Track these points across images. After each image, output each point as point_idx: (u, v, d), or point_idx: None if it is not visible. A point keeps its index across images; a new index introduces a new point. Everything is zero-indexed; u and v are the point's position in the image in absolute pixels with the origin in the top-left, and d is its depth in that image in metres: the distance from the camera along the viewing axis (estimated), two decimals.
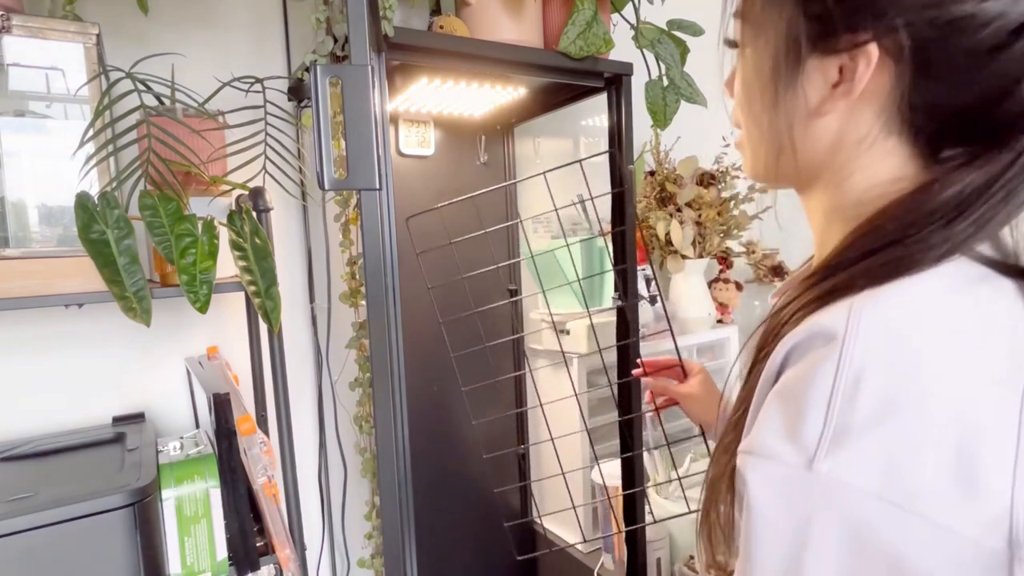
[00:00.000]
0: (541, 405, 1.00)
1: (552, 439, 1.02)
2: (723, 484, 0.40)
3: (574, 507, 1.02)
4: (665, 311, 1.03)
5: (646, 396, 0.91)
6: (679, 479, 1.07)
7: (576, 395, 1.05)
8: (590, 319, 1.09)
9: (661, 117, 1.07)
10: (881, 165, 0.40)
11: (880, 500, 0.31)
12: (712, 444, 0.84)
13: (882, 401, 0.32)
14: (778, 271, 1.63)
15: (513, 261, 1.44)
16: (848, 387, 0.32)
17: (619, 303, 1.12)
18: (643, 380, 0.90)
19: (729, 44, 0.46)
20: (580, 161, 0.89)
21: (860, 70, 0.37)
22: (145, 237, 0.82)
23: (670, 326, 0.95)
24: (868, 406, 0.32)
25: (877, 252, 0.37)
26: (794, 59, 0.39)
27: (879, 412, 0.32)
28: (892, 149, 0.39)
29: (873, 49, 0.36)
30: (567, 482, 1.01)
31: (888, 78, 0.37)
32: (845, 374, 0.32)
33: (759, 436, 0.35)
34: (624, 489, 1.17)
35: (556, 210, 0.93)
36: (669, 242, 1.47)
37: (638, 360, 0.92)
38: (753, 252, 1.66)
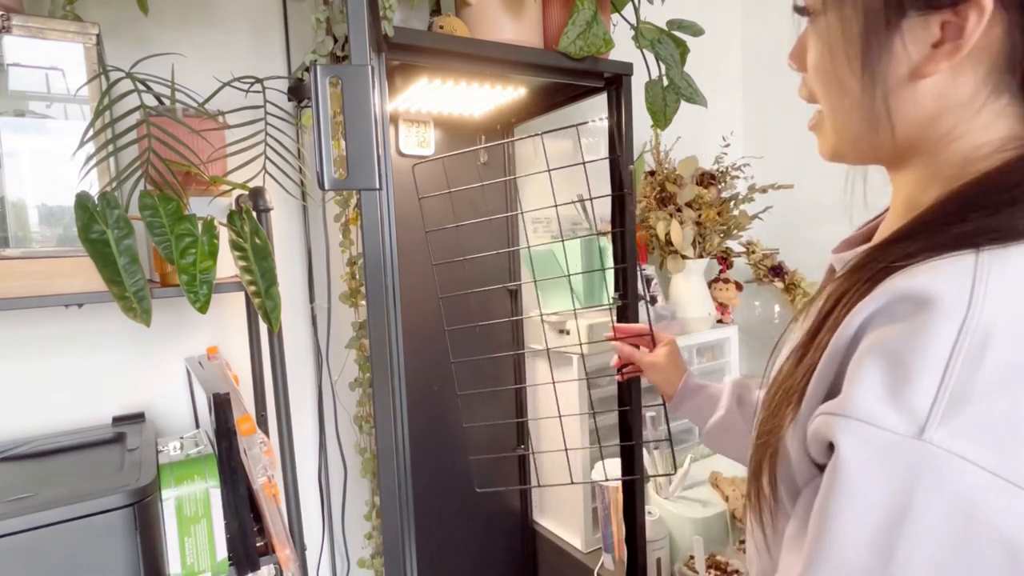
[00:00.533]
0: (545, 400, 1.00)
1: (559, 416, 1.02)
2: (766, 456, 0.38)
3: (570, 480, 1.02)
4: (644, 281, 1.03)
5: (613, 361, 0.92)
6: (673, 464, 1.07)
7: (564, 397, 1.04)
8: (577, 321, 1.09)
9: (661, 117, 1.07)
10: (992, 127, 0.37)
11: (995, 476, 0.28)
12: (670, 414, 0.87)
13: (1010, 366, 0.29)
14: (778, 271, 1.63)
15: (512, 249, 1.44)
16: (973, 349, 0.30)
17: (619, 303, 1.12)
18: (613, 345, 0.91)
19: (800, 11, 0.43)
20: (584, 164, 0.89)
21: (971, 25, 0.34)
22: (145, 237, 0.82)
23: (647, 297, 0.95)
24: (993, 371, 0.29)
25: (989, 212, 0.34)
26: (889, 19, 0.36)
27: (1004, 379, 0.29)
28: (1003, 110, 0.36)
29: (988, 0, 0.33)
30: (569, 460, 1.01)
31: (1000, 31, 0.34)
32: (970, 336, 0.30)
33: (854, 399, 0.32)
34: (624, 489, 1.17)
35: (556, 205, 0.93)
36: (669, 242, 1.47)
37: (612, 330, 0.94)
38: (753, 252, 1.66)
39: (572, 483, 0.91)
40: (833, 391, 0.35)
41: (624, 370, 0.91)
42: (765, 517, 0.40)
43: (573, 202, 1.42)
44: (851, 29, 0.38)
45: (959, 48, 0.35)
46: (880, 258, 0.37)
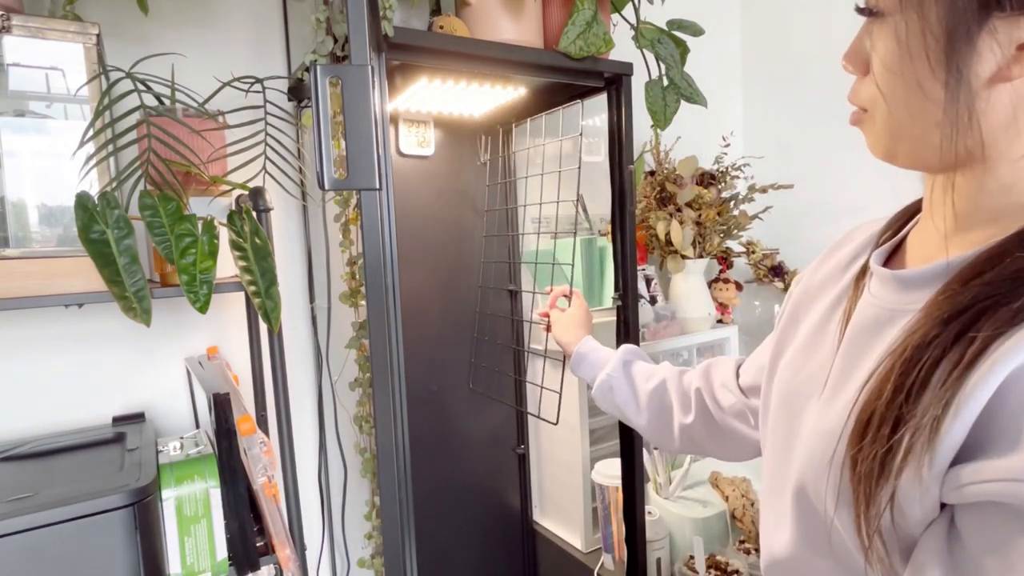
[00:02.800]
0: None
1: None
2: (880, 490, 0.37)
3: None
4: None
5: (539, 312, 1.08)
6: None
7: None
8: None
9: (661, 117, 1.07)
10: None
11: None
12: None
13: None
14: (778, 271, 1.63)
15: (507, 230, 1.44)
16: None
17: (619, 303, 1.13)
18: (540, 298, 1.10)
19: (865, 12, 0.41)
20: (579, 167, 0.89)
21: None
22: (145, 237, 0.82)
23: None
24: None
25: None
26: (976, 19, 0.35)
27: None
28: None
29: None
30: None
31: None
32: None
33: None
34: (624, 489, 1.17)
35: (552, 200, 0.93)
36: (669, 242, 1.47)
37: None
38: (753, 252, 1.66)
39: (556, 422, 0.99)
40: (979, 439, 0.34)
41: (541, 325, 1.06)
42: (874, 550, 0.39)
43: (572, 200, 1.42)
44: (934, 29, 0.37)
45: None
46: (1001, 297, 0.35)
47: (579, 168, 0.92)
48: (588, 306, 1.04)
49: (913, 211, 0.52)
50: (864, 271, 0.50)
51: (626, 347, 0.90)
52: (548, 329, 1.04)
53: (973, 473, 0.34)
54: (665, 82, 1.07)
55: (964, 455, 0.35)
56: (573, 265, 1.08)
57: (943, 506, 0.37)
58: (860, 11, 0.42)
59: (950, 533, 0.36)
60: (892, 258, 0.50)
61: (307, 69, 0.99)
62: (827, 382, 0.48)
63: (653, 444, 0.86)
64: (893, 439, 0.37)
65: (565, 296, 1.05)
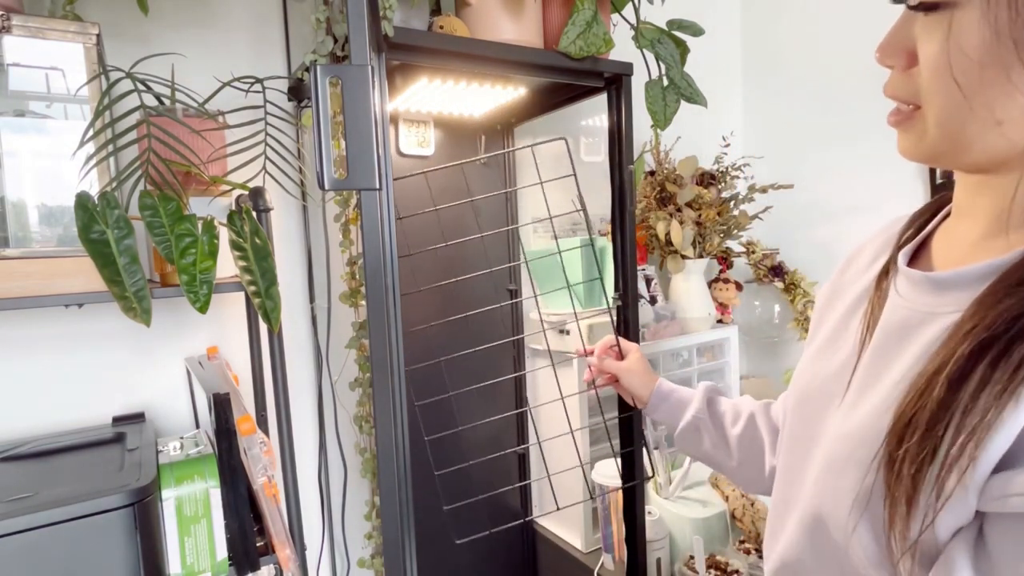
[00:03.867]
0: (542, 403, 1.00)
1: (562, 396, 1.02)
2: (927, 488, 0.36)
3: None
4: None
5: (585, 375, 0.95)
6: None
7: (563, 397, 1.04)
8: (569, 321, 1.09)
9: (661, 117, 1.07)
10: None
11: None
12: (645, 418, 0.89)
13: None
14: (778, 271, 1.63)
15: (507, 231, 1.44)
16: None
17: (619, 303, 1.13)
18: (588, 360, 0.95)
19: (930, 7, 0.39)
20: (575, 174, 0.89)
21: None
22: (145, 237, 0.82)
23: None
24: None
25: None
26: None
27: None
28: None
29: None
30: (575, 438, 1.01)
31: None
32: None
33: None
34: (624, 489, 1.17)
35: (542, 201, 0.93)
36: (669, 242, 1.47)
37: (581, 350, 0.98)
38: (753, 252, 1.66)
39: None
40: (1020, 450, 0.34)
41: (598, 382, 0.94)
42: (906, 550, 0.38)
43: (572, 209, 1.41)
44: (1004, 23, 0.36)
45: None
46: None
47: (575, 175, 0.92)
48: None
49: (935, 209, 0.50)
50: (886, 272, 0.49)
51: (707, 386, 0.83)
52: (596, 389, 0.95)
53: (1013, 484, 0.34)
54: (665, 82, 1.07)
55: (1005, 463, 0.35)
56: (565, 269, 1.08)
57: (976, 514, 0.36)
58: (921, 7, 0.39)
59: (977, 542, 0.36)
60: (915, 259, 0.49)
61: (307, 69, 0.99)
62: (850, 385, 0.47)
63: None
64: (940, 441, 0.36)
65: (611, 348, 0.94)
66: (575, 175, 0.93)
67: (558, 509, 1.01)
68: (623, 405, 1.15)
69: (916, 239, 0.49)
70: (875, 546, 0.40)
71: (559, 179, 0.96)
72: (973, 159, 0.40)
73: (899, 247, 0.49)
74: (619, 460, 1.19)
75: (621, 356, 0.92)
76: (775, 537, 0.54)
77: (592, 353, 0.94)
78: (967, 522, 0.36)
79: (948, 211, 0.48)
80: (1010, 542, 0.35)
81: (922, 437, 0.37)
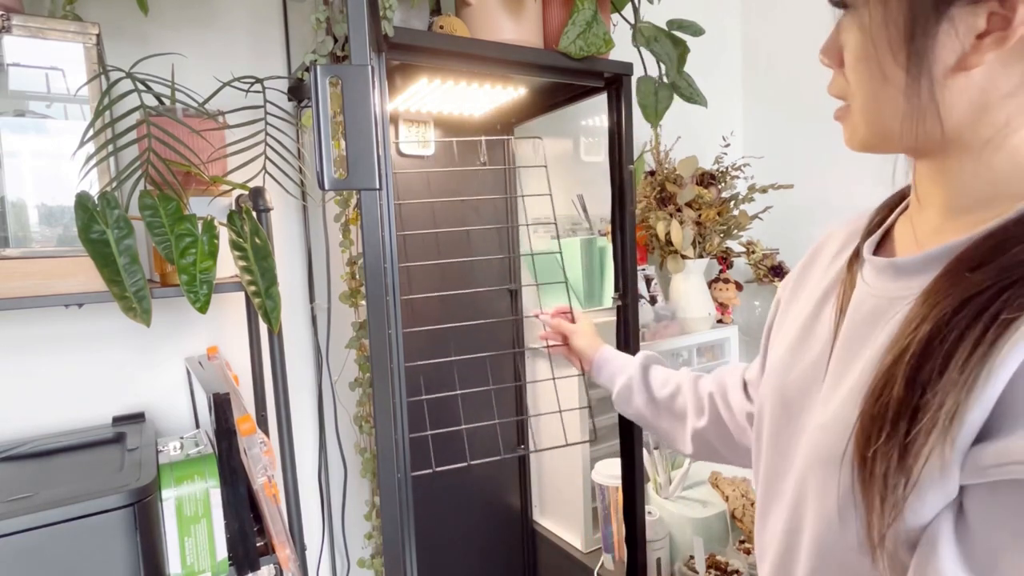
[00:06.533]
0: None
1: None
2: (901, 478, 0.37)
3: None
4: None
5: (540, 333, 1.10)
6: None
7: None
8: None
9: (652, 112, 1.06)
10: None
11: None
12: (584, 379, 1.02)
13: None
14: (778, 271, 1.63)
15: (507, 231, 1.44)
16: None
17: (619, 303, 1.12)
18: (540, 318, 1.10)
19: (838, 4, 0.43)
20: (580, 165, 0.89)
21: (1019, 16, 0.34)
22: (145, 237, 0.82)
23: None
24: None
25: None
26: (936, 8, 0.37)
27: None
28: None
29: None
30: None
31: None
32: None
33: None
34: (624, 489, 1.17)
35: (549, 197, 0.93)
36: (669, 242, 1.47)
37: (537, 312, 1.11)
38: (753, 252, 1.66)
39: (567, 444, 1.03)
40: (1000, 417, 0.35)
41: (551, 343, 1.07)
42: (883, 532, 0.39)
43: (573, 203, 1.42)
44: (897, 18, 0.38)
45: (1005, 39, 0.35)
46: (1000, 278, 0.36)
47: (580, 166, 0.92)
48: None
49: (896, 200, 0.52)
50: (853, 261, 0.51)
51: (645, 353, 0.92)
52: (560, 344, 1.06)
53: (997, 455, 0.34)
54: (665, 81, 1.07)
55: (983, 435, 0.35)
56: (565, 271, 1.08)
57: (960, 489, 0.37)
58: (834, 3, 0.43)
59: (958, 517, 0.37)
60: (880, 247, 0.50)
61: (307, 69, 0.99)
62: (826, 375, 0.48)
63: (671, 449, 0.89)
64: (914, 426, 0.36)
65: (564, 313, 1.08)
66: (546, 167, 0.97)
67: (567, 444, 1.13)
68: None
69: (880, 229, 0.51)
70: (860, 532, 0.41)
71: (532, 167, 0.96)
72: (902, 146, 0.43)
73: (864, 237, 0.51)
74: (606, 463, 1.19)
75: (573, 322, 1.06)
76: (763, 534, 0.55)
77: (542, 314, 1.09)
78: (950, 500, 0.37)
79: (908, 202, 0.50)
80: (986, 511, 0.35)
81: (889, 434, 0.38)
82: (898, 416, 0.37)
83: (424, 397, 1.03)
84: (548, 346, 1.06)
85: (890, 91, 0.40)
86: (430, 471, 0.94)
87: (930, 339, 0.37)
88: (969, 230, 0.40)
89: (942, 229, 0.44)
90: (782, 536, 0.50)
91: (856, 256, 0.51)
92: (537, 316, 1.11)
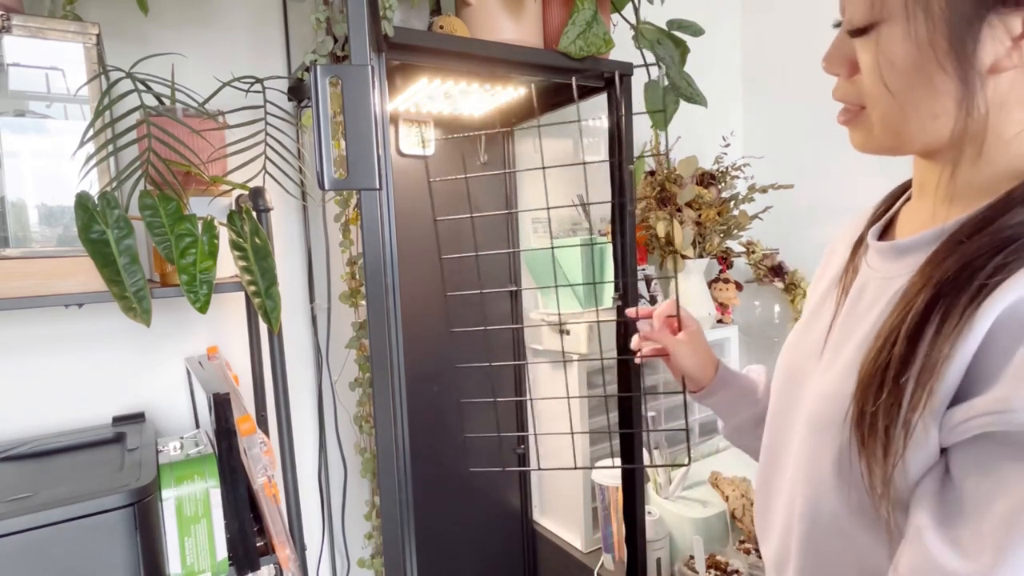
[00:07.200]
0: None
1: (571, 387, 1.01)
2: (899, 437, 0.39)
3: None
4: (644, 281, 1.03)
5: (634, 342, 0.80)
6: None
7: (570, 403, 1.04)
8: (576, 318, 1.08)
9: (661, 118, 1.07)
10: None
11: None
12: (688, 398, 0.78)
13: None
14: (778, 271, 1.63)
15: (507, 230, 1.44)
16: None
17: (619, 303, 1.13)
18: (637, 324, 0.79)
19: (857, 32, 0.44)
20: (584, 164, 0.89)
21: None
22: (145, 237, 0.82)
23: (647, 296, 0.93)
24: None
25: None
26: (978, 17, 0.39)
27: None
28: None
29: None
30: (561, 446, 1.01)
31: None
32: None
33: None
34: (624, 489, 1.17)
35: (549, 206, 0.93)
36: (669, 242, 1.47)
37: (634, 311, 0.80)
38: (753, 252, 1.66)
39: (575, 467, 0.89)
40: (973, 379, 0.38)
41: (644, 351, 0.78)
42: (880, 503, 0.41)
43: (572, 203, 1.42)
44: (941, 29, 0.40)
45: None
46: (988, 247, 0.39)
47: (584, 164, 0.92)
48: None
49: (899, 192, 0.56)
50: (858, 248, 0.54)
51: (767, 372, 0.73)
52: (642, 359, 0.80)
53: (965, 411, 0.37)
54: (665, 82, 1.07)
55: (960, 396, 0.38)
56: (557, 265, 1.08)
57: (942, 452, 0.40)
58: (853, 32, 0.45)
59: (944, 477, 0.39)
60: (884, 235, 0.54)
61: (307, 69, 0.99)
62: (824, 350, 0.51)
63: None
64: (904, 389, 0.40)
65: (671, 317, 0.77)
66: (584, 166, 0.92)
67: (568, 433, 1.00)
68: (623, 404, 1.15)
69: (884, 218, 0.54)
70: (857, 498, 0.43)
71: (562, 173, 0.95)
72: (917, 148, 0.46)
73: (870, 225, 0.54)
74: (599, 465, 1.19)
75: (680, 328, 0.77)
76: (766, 513, 0.56)
77: (646, 317, 0.78)
78: (934, 461, 0.40)
79: (911, 193, 0.53)
80: (963, 465, 0.38)
81: (891, 391, 0.40)
82: (900, 372, 0.40)
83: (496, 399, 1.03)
84: (642, 356, 0.79)
85: (934, 96, 0.42)
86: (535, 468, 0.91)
87: (931, 301, 0.40)
88: (960, 214, 0.43)
89: (937, 215, 0.47)
90: (784, 509, 0.52)
91: (860, 243, 0.54)
92: (633, 319, 0.80)
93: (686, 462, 0.75)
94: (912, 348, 0.40)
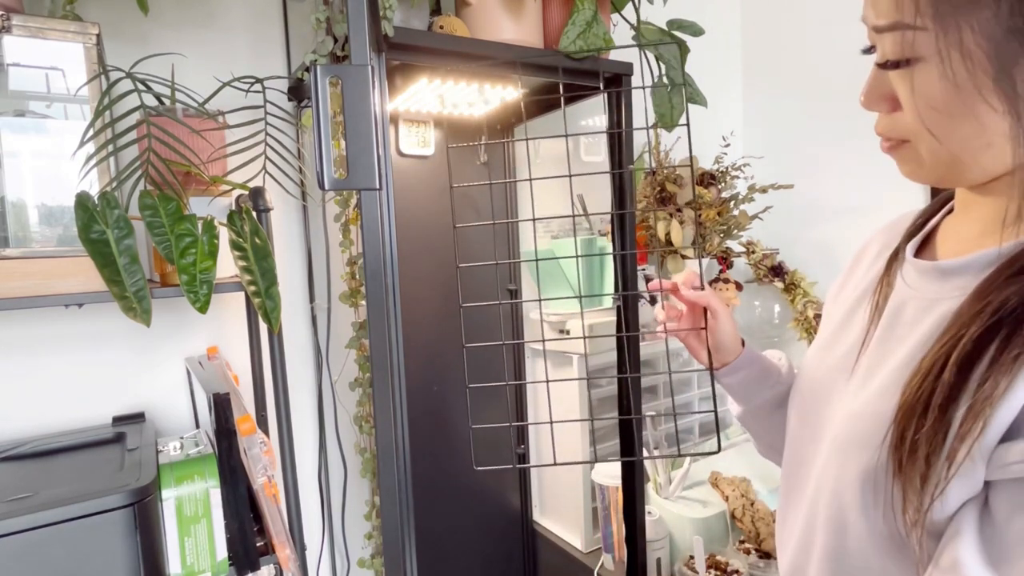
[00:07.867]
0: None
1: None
2: (943, 463, 0.39)
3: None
4: (645, 281, 1.01)
5: (661, 313, 0.70)
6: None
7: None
8: (576, 321, 1.08)
9: (668, 119, 1.07)
10: None
11: None
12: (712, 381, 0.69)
13: None
14: (778, 271, 1.63)
15: (506, 230, 1.44)
16: None
17: (619, 303, 1.12)
18: (679, 285, 0.67)
19: (892, 65, 0.43)
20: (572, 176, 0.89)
21: None
22: (145, 237, 0.82)
23: (647, 296, 0.90)
24: None
25: None
26: (1021, 47, 0.38)
27: None
28: None
29: None
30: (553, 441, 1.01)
31: None
32: None
33: None
34: (624, 489, 1.17)
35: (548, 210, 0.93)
36: (669, 242, 1.47)
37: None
38: (753, 252, 1.66)
39: (587, 461, 0.90)
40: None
41: (671, 325, 0.70)
42: (914, 524, 0.40)
43: (571, 212, 1.41)
44: (982, 65, 0.39)
45: None
46: None
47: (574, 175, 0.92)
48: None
49: (939, 206, 0.53)
50: (892, 262, 0.52)
51: (785, 356, 0.70)
52: (688, 328, 0.69)
53: (1021, 451, 0.36)
54: (665, 82, 1.07)
55: (1010, 434, 0.37)
56: (571, 262, 1.08)
57: (983, 486, 0.39)
58: (887, 65, 0.43)
59: (983, 510, 0.39)
60: (921, 250, 0.52)
61: (307, 69, 0.99)
62: (856, 369, 0.50)
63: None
64: (952, 420, 0.38)
65: (695, 287, 0.66)
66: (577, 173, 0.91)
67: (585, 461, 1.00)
68: (623, 405, 1.15)
69: (922, 232, 0.52)
70: (883, 521, 0.43)
71: (562, 175, 0.95)
72: (974, 178, 0.44)
73: (906, 240, 0.52)
74: (600, 465, 1.19)
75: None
76: (784, 525, 0.55)
77: (669, 290, 0.68)
78: (975, 493, 0.39)
79: (951, 207, 0.51)
80: (1008, 506, 0.37)
81: (936, 419, 0.39)
82: (947, 400, 0.39)
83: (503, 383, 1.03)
84: (666, 332, 0.68)
85: (981, 130, 0.40)
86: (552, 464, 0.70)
87: (988, 330, 0.39)
88: (1014, 238, 0.42)
89: (987, 238, 0.45)
90: (803, 524, 0.52)
91: (895, 257, 0.52)
92: (656, 289, 0.69)
93: (716, 449, 0.70)
94: (963, 377, 0.39)
